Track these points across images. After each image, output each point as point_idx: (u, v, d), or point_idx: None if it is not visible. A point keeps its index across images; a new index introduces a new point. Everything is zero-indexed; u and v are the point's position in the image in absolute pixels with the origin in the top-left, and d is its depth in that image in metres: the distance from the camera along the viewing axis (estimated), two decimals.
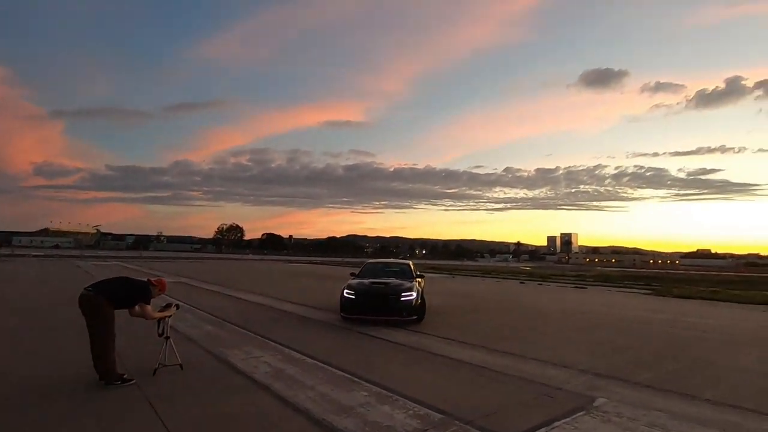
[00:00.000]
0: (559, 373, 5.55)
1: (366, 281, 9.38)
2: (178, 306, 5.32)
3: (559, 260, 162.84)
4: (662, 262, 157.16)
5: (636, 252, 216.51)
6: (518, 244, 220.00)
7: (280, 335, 7.38)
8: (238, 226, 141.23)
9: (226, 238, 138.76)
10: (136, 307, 4.78)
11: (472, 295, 16.48)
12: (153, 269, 26.42)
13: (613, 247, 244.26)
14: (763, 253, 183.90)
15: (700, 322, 10.57)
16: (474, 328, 8.91)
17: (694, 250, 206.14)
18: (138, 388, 4.45)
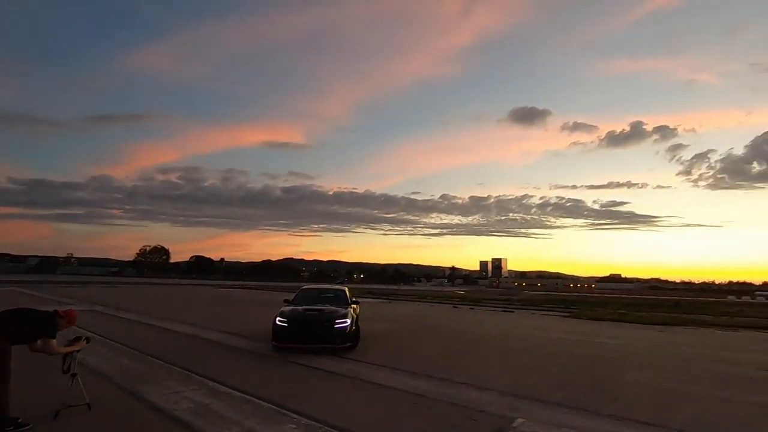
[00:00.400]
0: (483, 396, 5.83)
1: (299, 308, 9.23)
2: (89, 339, 4.89)
3: (491, 284, 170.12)
4: (580, 285, 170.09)
5: (558, 276, 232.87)
6: (453, 268, 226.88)
7: (205, 368, 6.99)
8: (163, 247, 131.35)
9: (149, 260, 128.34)
10: (38, 342, 4.34)
11: (407, 321, 16.73)
12: (56, 296, 23.73)
13: (539, 271, 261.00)
14: (663, 277, 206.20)
15: (608, 343, 11.62)
16: (406, 354, 9.07)
17: (608, 274, 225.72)
18: None
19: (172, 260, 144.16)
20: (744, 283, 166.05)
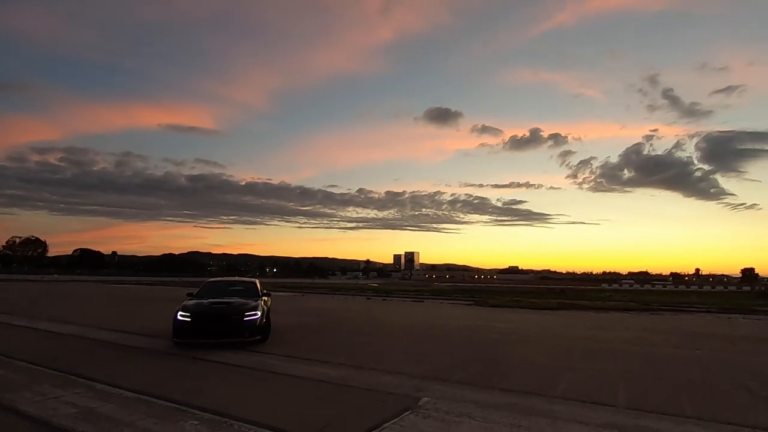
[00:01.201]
0: (392, 380, 6.06)
1: (205, 301, 8.72)
2: None
3: (403, 277, 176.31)
4: (484, 277, 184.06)
5: (465, 269, 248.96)
6: (368, 261, 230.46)
7: (90, 369, 6.29)
8: (37, 239, 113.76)
9: (19, 254, 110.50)
10: None
11: (319, 313, 16.67)
12: None
13: (448, 264, 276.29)
14: (553, 268, 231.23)
15: (505, 327, 12.78)
16: (318, 344, 9.07)
17: (507, 266, 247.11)
18: None
19: (49, 254, 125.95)
20: (614, 273, 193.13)
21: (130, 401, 4.86)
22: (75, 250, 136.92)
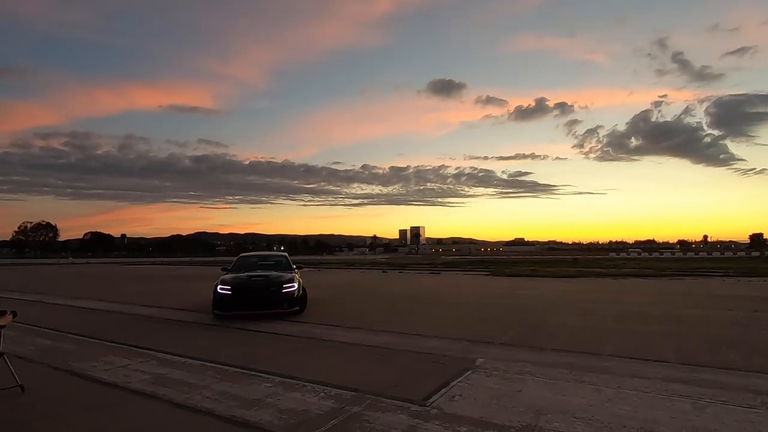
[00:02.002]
0: (440, 344, 6.19)
1: (242, 275, 8.85)
2: (15, 313, 4.22)
3: (410, 251, 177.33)
4: (490, 249, 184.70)
5: (471, 242, 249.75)
6: (374, 237, 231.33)
7: (145, 341, 6.47)
8: (48, 224, 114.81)
9: (31, 239, 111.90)
10: None
11: (343, 286, 16.89)
12: None
13: (454, 237, 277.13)
14: (558, 239, 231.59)
15: (530, 294, 12.89)
16: (353, 314, 9.21)
17: (513, 238, 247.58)
18: None
19: (60, 238, 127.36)
20: (620, 242, 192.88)
21: (195, 367, 5.01)
22: (86, 234, 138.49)
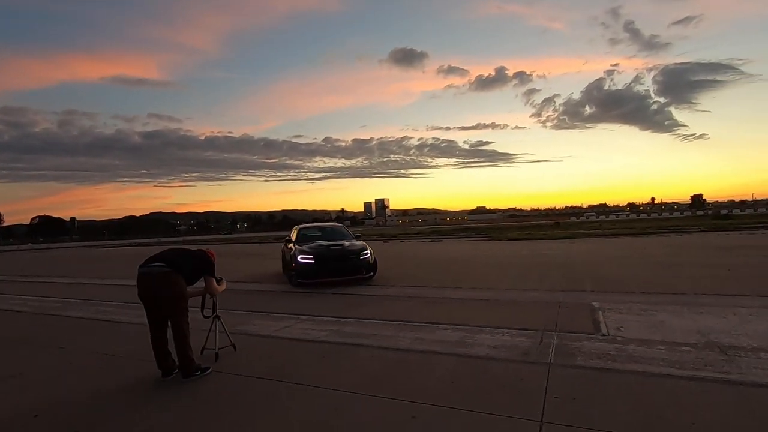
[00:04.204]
0: (539, 295, 6.96)
1: (322, 244, 9.23)
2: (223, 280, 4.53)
3: (377, 223, 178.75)
4: (455, 219, 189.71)
5: (435, 212, 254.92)
6: (342, 210, 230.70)
7: (271, 307, 6.85)
8: None
9: None
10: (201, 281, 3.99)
11: None
12: None
13: (418, 208, 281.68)
14: (518, 206, 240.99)
15: (554, 254, 13.98)
16: (420, 277, 9.76)
17: (475, 207, 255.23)
18: (237, 375, 3.85)
19: (4, 224, 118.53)
20: (575, 207, 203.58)
21: (354, 324, 5.50)
22: (33, 218, 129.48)
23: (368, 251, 9.20)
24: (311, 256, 8.73)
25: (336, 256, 8.87)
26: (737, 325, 4.64)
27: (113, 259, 23.70)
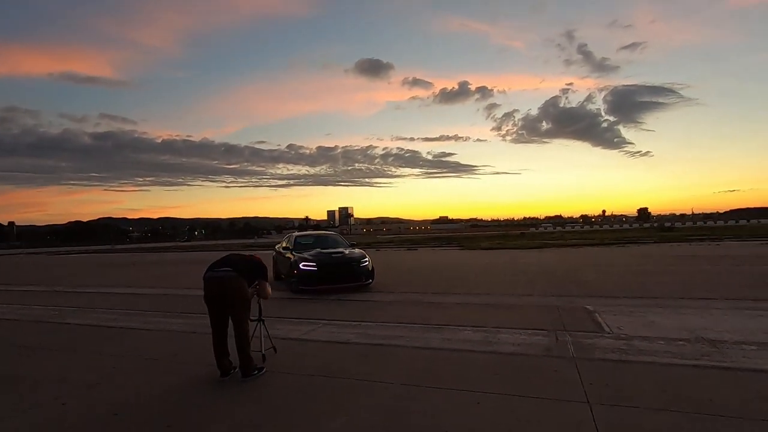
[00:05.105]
0: (533, 299, 7.57)
1: (322, 252, 9.46)
2: None
3: (342, 232, 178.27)
4: (418, 228, 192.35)
5: (399, 221, 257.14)
6: (307, 219, 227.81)
7: (286, 313, 7.02)
8: None
9: None
10: (253, 286, 4.21)
11: None
12: None
13: (381, 217, 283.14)
14: (479, 217, 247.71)
15: (532, 262, 14.82)
16: (416, 284, 10.18)
17: (438, 217, 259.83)
18: (291, 375, 4.10)
19: None
20: (533, 218, 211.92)
21: (376, 327, 5.84)
22: None
23: (367, 259, 9.53)
24: (314, 264, 8.95)
25: (337, 263, 9.14)
26: (716, 323, 5.38)
27: (73, 266, 22.53)
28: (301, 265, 8.98)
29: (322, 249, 9.86)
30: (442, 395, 3.39)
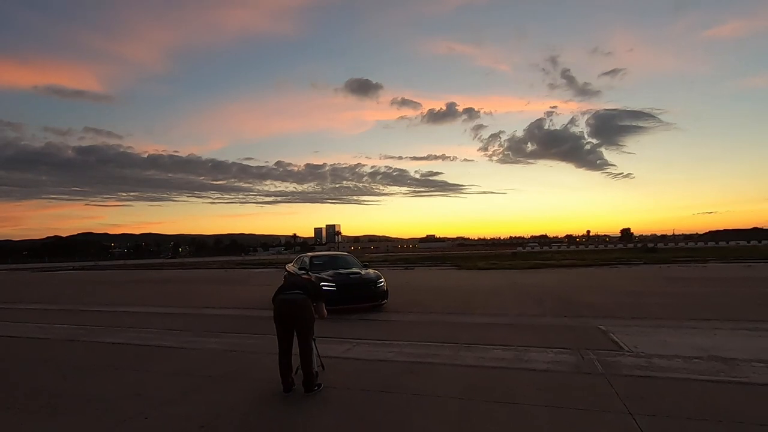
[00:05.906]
0: (551, 320, 7.98)
1: (340, 272, 9.77)
2: None
3: (329, 249, 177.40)
4: (406, 246, 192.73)
5: (386, 239, 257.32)
6: (294, 236, 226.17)
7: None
8: None
9: None
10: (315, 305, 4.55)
11: None
12: None
13: (369, 235, 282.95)
14: (465, 235, 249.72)
15: (530, 283, 15.29)
16: (429, 304, 10.52)
17: (425, 235, 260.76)
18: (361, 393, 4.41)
19: None
20: (519, 237, 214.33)
21: (415, 346, 6.17)
22: None
23: (383, 280, 9.88)
24: (333, 284, 9.24)
25: (356, 284, 9.46)
26: (723, 342, 5.87)
27: (63, 284, 22.21)
28: (322, 286, 9.25)
29: (337, 269, 10.17)
30: (499, 405, 3.76)
